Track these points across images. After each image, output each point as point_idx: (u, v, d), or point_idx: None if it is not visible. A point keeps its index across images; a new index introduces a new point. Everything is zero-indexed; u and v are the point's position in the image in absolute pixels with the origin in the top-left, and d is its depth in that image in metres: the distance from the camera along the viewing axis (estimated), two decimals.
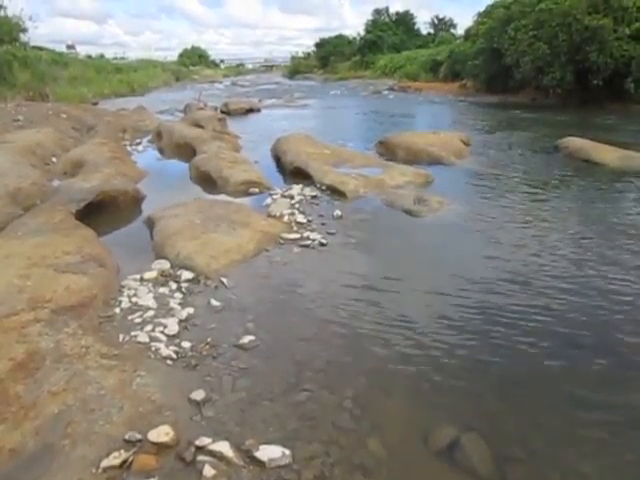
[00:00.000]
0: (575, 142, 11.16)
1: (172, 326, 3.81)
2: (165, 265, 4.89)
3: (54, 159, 10.04)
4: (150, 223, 6.03)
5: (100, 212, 6.77)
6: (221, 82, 55.29)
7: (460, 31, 50.96)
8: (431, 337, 3.78)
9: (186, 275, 4.68)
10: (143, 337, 3.63)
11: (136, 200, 7.37)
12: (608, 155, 10.04)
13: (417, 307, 4.26)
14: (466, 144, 11.54)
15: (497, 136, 14.31)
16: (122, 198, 7.21)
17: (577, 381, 3.26)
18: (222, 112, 19.10)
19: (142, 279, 4.64)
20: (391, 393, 3.16)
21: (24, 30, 26.01)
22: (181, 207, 6.14)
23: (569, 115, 18.89)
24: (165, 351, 3.46)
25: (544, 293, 4.47)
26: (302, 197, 7.19)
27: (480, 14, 33.89)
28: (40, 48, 34.25)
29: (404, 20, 63.05)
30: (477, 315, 4.12)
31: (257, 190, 7.71)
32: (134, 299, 4.27)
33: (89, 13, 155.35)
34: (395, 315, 4.11)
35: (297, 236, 5.68)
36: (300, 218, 6.28)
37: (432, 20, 63.12)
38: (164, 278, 4.68)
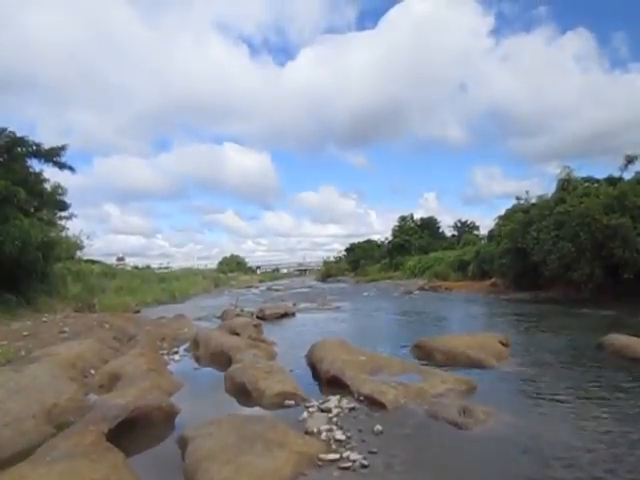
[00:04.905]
0: (621, 340, 10.78)
1: None
2: None
3: (92, 371, 10.12)
4: (182, 443, 5.77)
5: (132, 428, 6.56)
6: (257, 287, 58.13)
7: (483, 231, 54.37)
8: None
9: None
10: None
11: (170, 415, 7.16)
12: None
13: None
14: (505, 345, 11.27)
15: (535, 334, 14.05)
16: (156, 413, 7.03)
17: None
18: (258, 317, 19.68)
19: None
20: None
21: (81, 248, 29.01)
22: (215, 425, 5.91)
23: (604, 309, 18.61)
24: None
25: None
26: (339, 409, 6.84)
27: (500, 217, 36.22)
28: (93, 261, 37.64)
29: (429, 224, 68.01)
30: None
31: (293, 402, 7.45)
32: None
33: (140, 229, 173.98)
34: None
35: (336, 456, 5.25)
36: (338, 435, 5.89)
37: (455, 223, 68.30)
38: None
